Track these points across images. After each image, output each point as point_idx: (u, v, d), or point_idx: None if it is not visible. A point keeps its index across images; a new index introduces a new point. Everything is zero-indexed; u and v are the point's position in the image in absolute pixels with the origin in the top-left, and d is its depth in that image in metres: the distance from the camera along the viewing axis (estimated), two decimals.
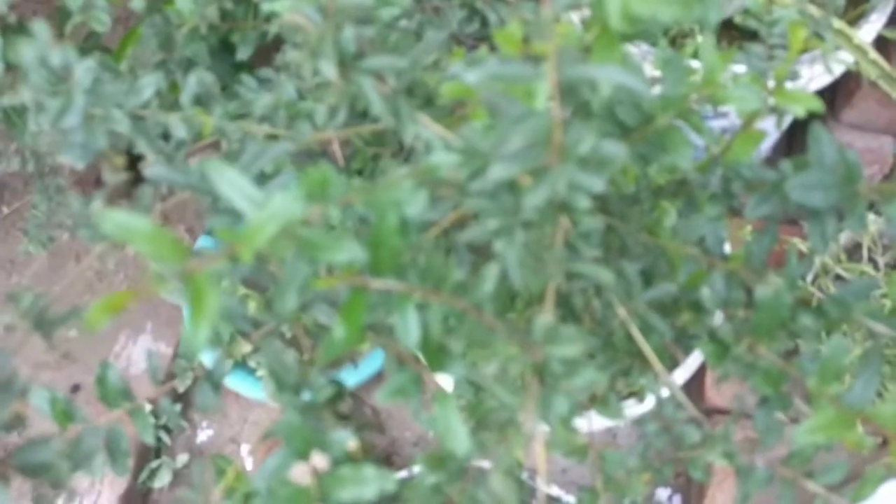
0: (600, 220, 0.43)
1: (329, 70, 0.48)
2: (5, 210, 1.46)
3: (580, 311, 0.51)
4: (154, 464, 1.28)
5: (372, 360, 1.20)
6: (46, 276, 1.40)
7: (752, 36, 0.62)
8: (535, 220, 0.40)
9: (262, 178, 0.48)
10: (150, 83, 0.60)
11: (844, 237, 1.14)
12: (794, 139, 1.29)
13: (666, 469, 0.57)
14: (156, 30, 0.83)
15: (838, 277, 1.13)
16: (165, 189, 0.53)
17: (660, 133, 0.47)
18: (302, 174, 0.39)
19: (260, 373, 1.22)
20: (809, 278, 1.12)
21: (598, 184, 0.37)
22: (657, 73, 0.49)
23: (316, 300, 0.48)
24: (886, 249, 1.14)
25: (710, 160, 0.54)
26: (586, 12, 0.44)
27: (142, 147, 0.60)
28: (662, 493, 1.24)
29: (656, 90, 0.47)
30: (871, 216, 1.10)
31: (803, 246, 1.10)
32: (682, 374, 1.02)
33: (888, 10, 1.04)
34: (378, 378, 1.22)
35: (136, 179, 0.54)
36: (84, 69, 0.55)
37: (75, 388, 1.31)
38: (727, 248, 0.54)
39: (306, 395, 0.48)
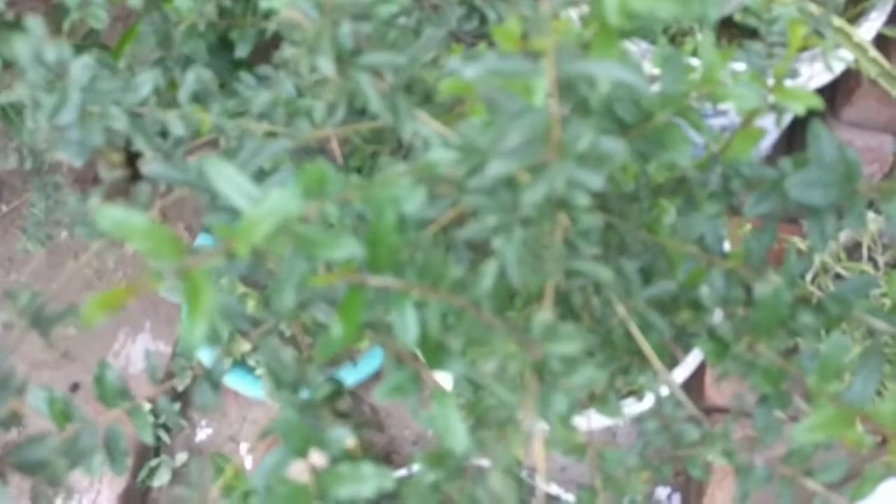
0: (599, 217, 0.43)
1: (327, 67, 0.48)
2: (3, 208, 1.45)
3: (579, 309, 0.51)
4: (153, 462, 1.28)
5: (370, 359, 1.20)
6: (45, 273, 1.40)
7: (752, 34, 0.61)
8: (534, 217, 0.40)
9: (260, 176, 0.48)
10: (147, 80, 0.60)
11: (844, 236, 1.14)
12: (794, 137, 1.29)
13: (665, 467, 0.57)
14: (154, 27, 0.83)
15: (838, 276, 1.13)
16: (163, 186, 0.53)
17: (659, 130, 0.47)
18: (300, 171, 0.39)
19: (259, 371, 1.22)
20: (809, 277, 1.12)
21: (596, 181, 0.37)
22: (656, 71, 0.49)
23: (314, 298, 0.48)
24: (886, 248, 1.14)
25: (709, 158, 0.54)
26: (585, 9, 0.44)
27: (140, 144, 0.59)
28: (662, 491, 1.24)
29: (655, 87, 0.47)
30: (870, 215, 1.10)
31: (803, 244, 1.09)
32: (681, 373, 1.02)
33: (888, 8, 1.04)
34: (377, 376, 1.22)
35: (134, 177, 0.54)
36: (80, 66, 0.55)
37: (74, 387, 1.31)
38: (726, 246, 0.54)
39: (305, 394, 0.48)
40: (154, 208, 0.54)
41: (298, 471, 0.43)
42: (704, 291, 0.51)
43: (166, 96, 0.62)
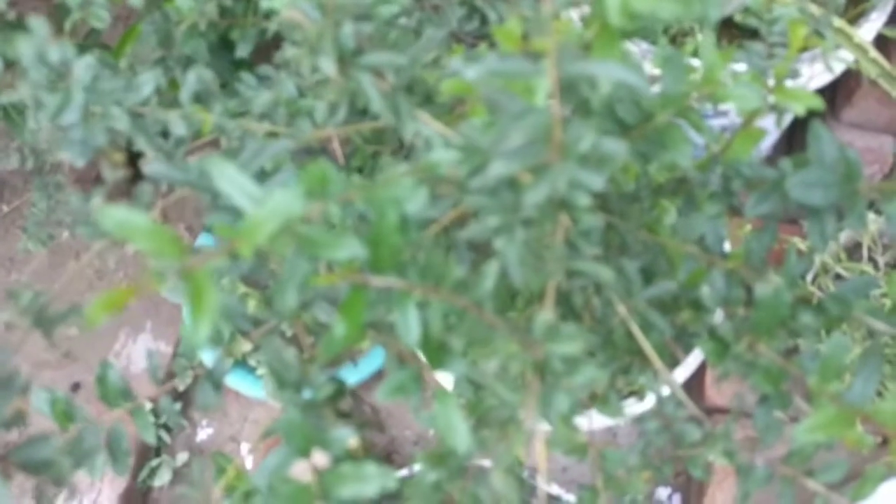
0: (600, 217, 0.43)
1: (328, 67, 0.48)
2: (5, 208, 1.45)
3: (580, 309, 0.51)
4: (154, 462, 1.28)
5: (372, 359, 1.20)
6: (46, 273, 1.40)
7: (753, 34, 0.62)
8: (536, 218, 0.40)
9: (261, 176, 0.48)
10: (149, 80, 0.60)
11: (844, 236, 1.14)
12: (795, 138, 1.29)
13: (666, 468, 0.57)
14: (155, 27, 0.83)
15: (838, 276, 1.13)
16: (165, 186, 0.53)
17: (660, 131, 0.47)
18: (302, 171, 0.39)
19: (260, 371, 1.22)
20: (809, 277, 1.12)
21: (598, 181, 0.37)
22: (657, 71, 0.49)
23: (316, 298, 0.48)
24: (886, 248, 1.14)
25: (709, 158, 0.54)
26: (586, 9, 0.44)
27: (141, 144, 0.59)
28: (662, 491, 1.24)
29: (656, 88, 0.47)
30: (871, 215, 1.10)
31: (803, 245, 1.09)
32: (682, 373, 1.02)
33: (888, 9, 1.04)
34: (378, 376, 1.22)
35: (136, 177, 0.54)
36: (83, 66, 0.55)
37: (76, 387, 1.31)
38: (727, 246, 0.54)
39: (306, 393, 0.48)
40: (156, 208, 0.54)
41: (300, 471, 0.43)
42: (705, 291, 0.51)
43: (167, 96, 0.62)
